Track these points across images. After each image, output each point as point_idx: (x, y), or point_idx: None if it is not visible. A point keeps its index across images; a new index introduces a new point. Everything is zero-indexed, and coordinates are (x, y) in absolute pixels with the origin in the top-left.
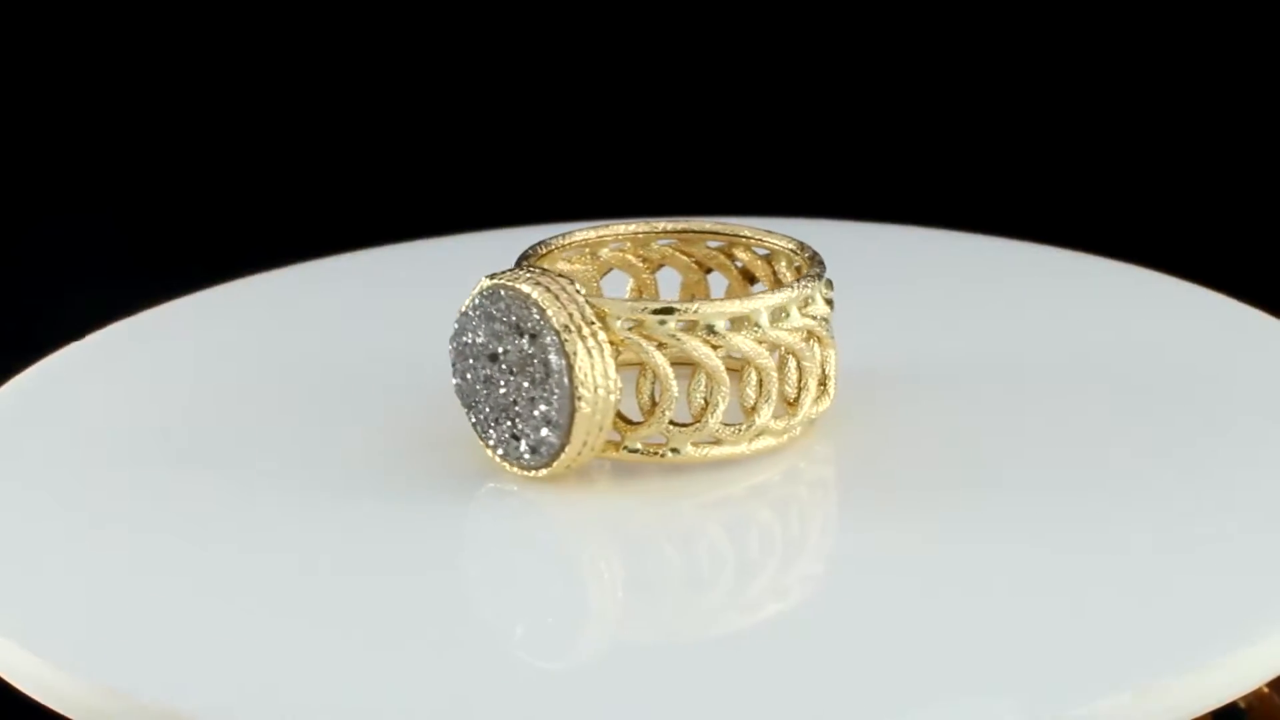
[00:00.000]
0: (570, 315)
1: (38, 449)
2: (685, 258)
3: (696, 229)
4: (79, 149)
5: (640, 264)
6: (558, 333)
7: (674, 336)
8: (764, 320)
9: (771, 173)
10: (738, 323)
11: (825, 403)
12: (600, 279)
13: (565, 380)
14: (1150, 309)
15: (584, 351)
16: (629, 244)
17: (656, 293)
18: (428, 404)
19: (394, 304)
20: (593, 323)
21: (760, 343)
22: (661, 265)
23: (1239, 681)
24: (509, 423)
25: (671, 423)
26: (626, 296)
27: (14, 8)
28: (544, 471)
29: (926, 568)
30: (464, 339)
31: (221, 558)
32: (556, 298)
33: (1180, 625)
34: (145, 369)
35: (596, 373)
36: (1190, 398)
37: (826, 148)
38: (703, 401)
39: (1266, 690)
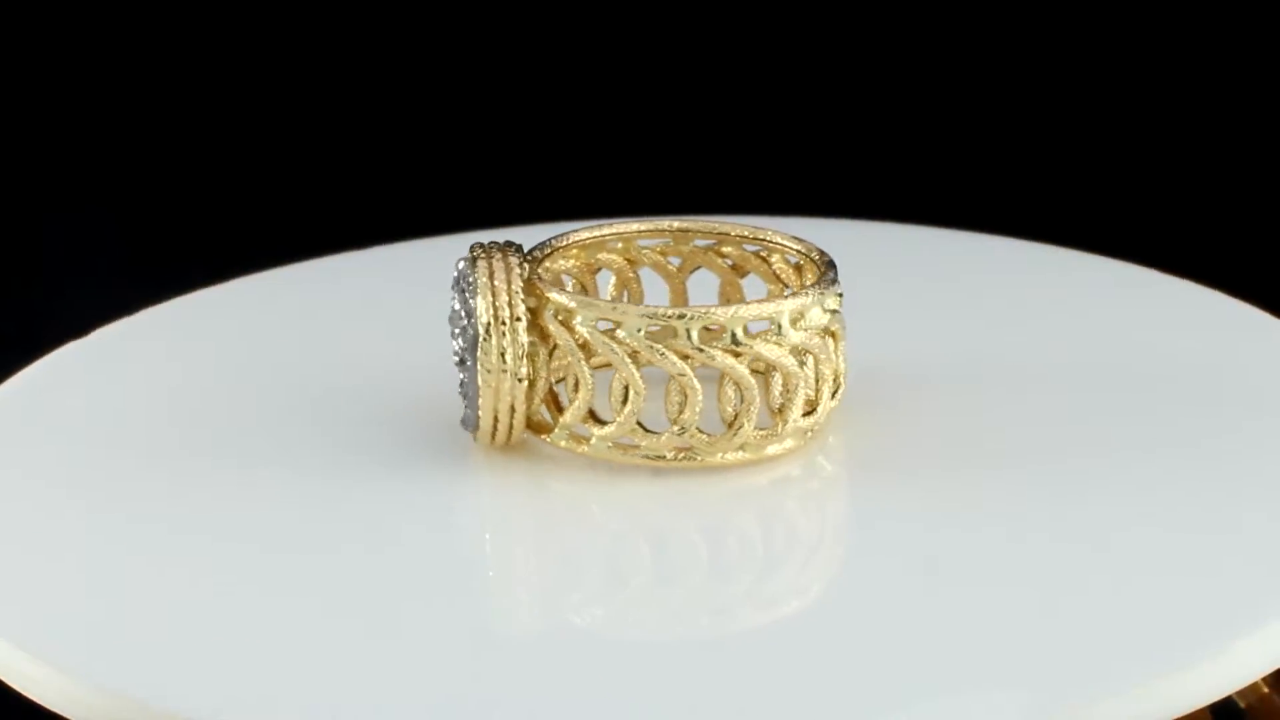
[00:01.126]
0: (495, 297)
1: (38, 447)
2: (720, 259)
3: (719, 230)
4: (79, 149)
5: (727, 267)
6: (478, 312)
7: (699, 349)
8: (785, 322)
9: (776, 172)
10: (763, 329)
11: (834, 402)
12: (688, 276)
13: (471, 359)
14: (1150, 309)
15: (496, 334)
16: (715, 239)
17: (742, 296)
18: (428, 401)
19: (394, 304)
20: (515, 307)
21: (781, 347)
22: (747, 272)
23: (1242, 674)
24: (464, 391)
25: (699, 429)
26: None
27: (14, 8)
28: (474, 441)
29: (929, 565)
30: (451, 310)
31: (220, 554)
32: (491, 278)
33: (1180, 621)
34: (145, 368)
35: (506, 352)
36: (1191, 396)
37: (830, 147)
38: (732, 411)
39: (1266, 690)
